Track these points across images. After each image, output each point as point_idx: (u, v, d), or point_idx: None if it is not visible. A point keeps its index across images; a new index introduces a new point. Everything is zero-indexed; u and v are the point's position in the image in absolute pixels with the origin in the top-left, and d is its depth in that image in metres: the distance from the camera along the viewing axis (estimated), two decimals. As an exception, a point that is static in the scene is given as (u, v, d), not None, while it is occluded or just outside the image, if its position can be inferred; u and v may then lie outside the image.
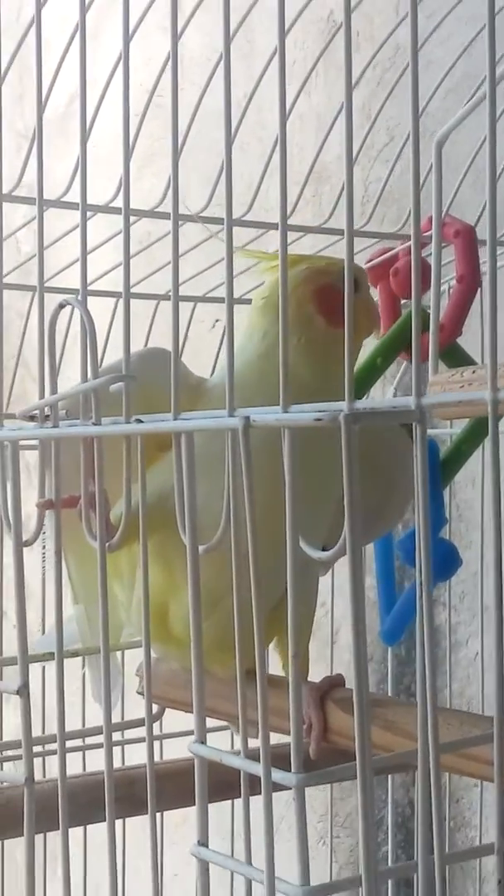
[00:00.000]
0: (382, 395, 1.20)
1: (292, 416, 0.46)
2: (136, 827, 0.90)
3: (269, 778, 0.47)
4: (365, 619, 0.46)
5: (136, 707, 0.87)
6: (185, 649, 0.73)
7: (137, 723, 0.82)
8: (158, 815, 0.88)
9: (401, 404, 0.46)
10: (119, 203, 0.67)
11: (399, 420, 0.45)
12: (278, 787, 0.49)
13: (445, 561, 0.88)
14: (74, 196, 0.85)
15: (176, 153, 0.57)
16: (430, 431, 1.11)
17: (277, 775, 0.49)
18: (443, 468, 0.90)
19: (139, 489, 0.57)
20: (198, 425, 0.53)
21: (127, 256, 0.57)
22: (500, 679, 0.46)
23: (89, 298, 0.60)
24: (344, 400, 0.46)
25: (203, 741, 0.54)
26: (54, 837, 0.63)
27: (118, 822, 0.94)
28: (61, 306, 0.58)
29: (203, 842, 0.54)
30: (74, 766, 0.98)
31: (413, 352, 0.47)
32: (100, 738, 0.82)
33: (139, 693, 0.79)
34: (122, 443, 0.58)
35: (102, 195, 0.88)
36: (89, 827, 0.92)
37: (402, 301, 0.93)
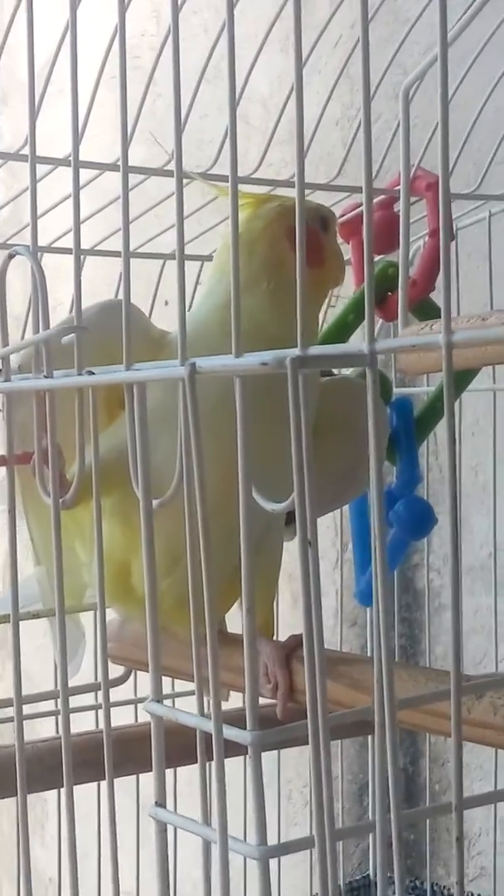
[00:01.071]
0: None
1: (239, 361, 0.44)
2: (120, 790, 0.89)
3: (221, 735, 0.46)
4: (319, 567, 0.44)
5: (112, 668, 0.85)
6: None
7: (99, 686, 0.81)
8: (136, 777, 0.87)
9: (352, 349, 0.44)
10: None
11: (349, 364, 0.44)
12: (241, 748, 0.48)
13: (420, 519, 0.87)
14: (47, 152, 0.84)
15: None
16: (405, 390, 1.10)
17: (232, 733, 0.48)
18: (417, 426, 0.89)
19: (94, 444, 0.55)
20: (148, 375, 0.51)
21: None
22: (456, 634, 0.45)
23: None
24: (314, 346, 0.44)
25: (159, 700, 0.53)
26: (38, 801, 0.61)
27: (96, 786, 0.93)
28: (10, 256, 0.56)
29: (161, 803, 0.53)
30: (51, 729, 0.97)
31: (367, 297, 0.46)
32: (81, 700, 0.81)
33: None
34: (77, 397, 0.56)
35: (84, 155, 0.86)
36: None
37: (376, 258, 0.91)
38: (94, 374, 0.54)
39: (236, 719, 0.49)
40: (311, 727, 0.43)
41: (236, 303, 0.47)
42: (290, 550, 1.22)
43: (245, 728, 0.47)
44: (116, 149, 0.81)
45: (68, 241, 0.96)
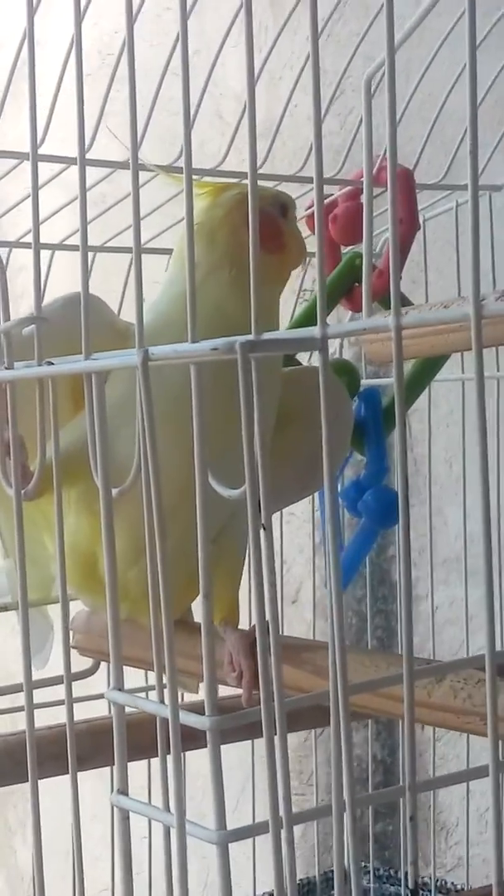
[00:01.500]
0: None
1: (192, 347, 0.45)
2: (103, 782, 0.88)
3: (177, 720, 0.46)
4: (273, 552, 0.44)
5: (80, 660, 0.86)
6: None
7: (74, 677, 0.81)
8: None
9: (305, 334, 0.45)
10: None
11: (300, 348, 0.44)
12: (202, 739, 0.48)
13: (389, 508, 0.87)
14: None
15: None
16: (373, 381, 1.10)
17: (190, 718, 0.48)
18: (385, 416, 0.89)
19: (54, 435, 0.56)
20: (105, 364, 0.51)
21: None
22: (408, 615, 0.45)
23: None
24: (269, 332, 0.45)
25: (120, 688, 0.53)
26: (20, 800, 0.61)
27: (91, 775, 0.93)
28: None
29: (122, 790, 0.53)
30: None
31: (318, 282, 0.46)
32: (56, 693, 0.81)
33: (74, 647, 0.77)
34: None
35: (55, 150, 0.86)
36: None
37: (343, 249, 0.91)
38: (53, 364, 0.54)
39: (202, 709, 0.49)
40: (264, 712, 0.43)
41: (192, 289, 0.47)
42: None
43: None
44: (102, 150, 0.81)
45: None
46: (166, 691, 0.49)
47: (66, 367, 0.54)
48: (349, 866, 0.45)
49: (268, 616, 0.45)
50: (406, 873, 1.22)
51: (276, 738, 0.44)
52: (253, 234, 0.45)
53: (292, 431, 0.74)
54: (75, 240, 0.99)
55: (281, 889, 0.43)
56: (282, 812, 0.45)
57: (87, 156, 0.91)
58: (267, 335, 0.45)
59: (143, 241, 1.04)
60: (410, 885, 0.43)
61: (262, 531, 0.44)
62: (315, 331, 0.44)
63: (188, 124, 0.48)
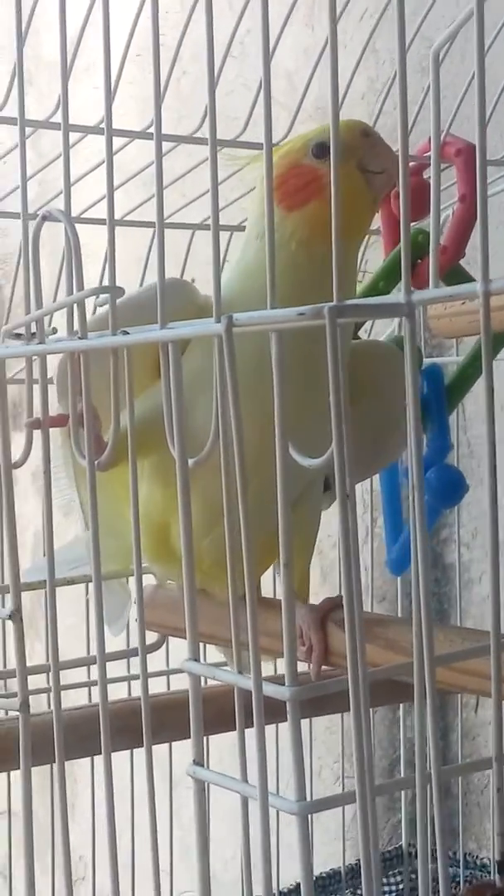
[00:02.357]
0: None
1: (276, 313, 0.44)
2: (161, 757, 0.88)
3: (261, 690, 0.46)
4: (356, 523, 0.44)
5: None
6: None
7: (134, 652, 0.81)
8: (168, 753, 0.87)
9: (390, 300, 0.44)
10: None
11: (387, 314, 0.44)
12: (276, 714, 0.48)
13: (451, 486, 0.86)
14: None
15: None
16: (435, 360, 1.09)
17: (270, 689, 0.48)
18: (448, 394, 0.88)
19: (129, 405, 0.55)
20: (182, 333, 0.51)
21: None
22: (495, 590, 0.44)
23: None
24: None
25: (196, 658, 0.52)
26: (68, 781, 0.61)
27: (128, 761, 0.93)
28: (44, 218, 0.56)
29: (199, 762, 0.52)
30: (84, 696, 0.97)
31: (403, 247, 0.46)
32: (112, 670, 0.81)
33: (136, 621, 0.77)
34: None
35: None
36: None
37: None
38: (128, 333, 0.54)
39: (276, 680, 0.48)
40: (351, 682, 0.42)
41: (271, 256, 0.47)
42: (322, 524, 1.21)
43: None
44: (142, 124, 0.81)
45: (95, 213, 0.96)
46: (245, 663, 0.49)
47: (142, 336, 0.53)
48: (437, 841, 0.45)
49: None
50: (464, 854, 1.21)
51: (361, 708, 0.44)
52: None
53: (356, 408, 0.73)
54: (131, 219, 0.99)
55: (367, 860, 0.43)
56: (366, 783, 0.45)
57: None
58: (349, 302, 0.45)
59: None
60: (497, 856, 0.43)
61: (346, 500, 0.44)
62: (401, 297, 0.44)
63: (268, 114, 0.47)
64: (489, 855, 1.26)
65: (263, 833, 0.46)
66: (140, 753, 0.85)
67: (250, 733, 0.48)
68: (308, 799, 0.47)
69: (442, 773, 0.44)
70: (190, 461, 0.52)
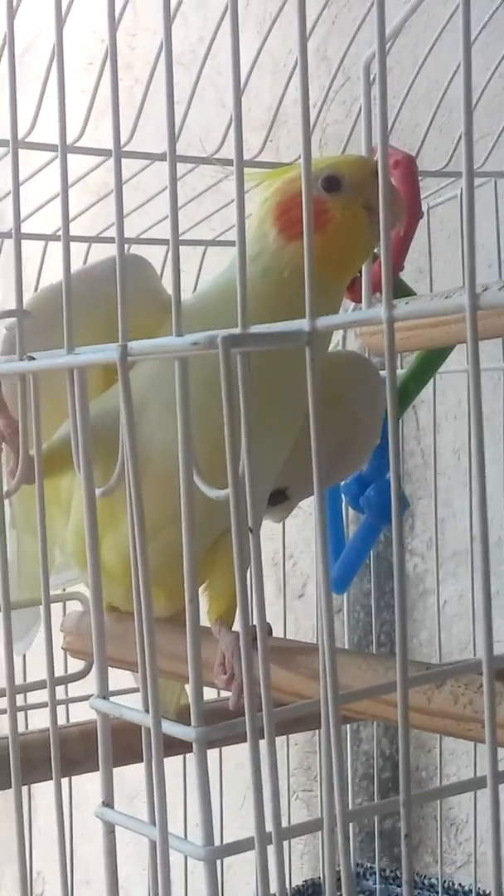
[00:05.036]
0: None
1: (170, 341, 0.42)
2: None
3: (160, 730, 0.44)
4: (260, 555, 0.42)
5: (75, 662, 0.84)
6: (114, 583, 0.70)
7: (67, 679, 0.79)
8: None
9: (291, 328, 0.42)
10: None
11: (288, 343, 0.42)
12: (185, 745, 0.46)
13: (390, 503, 0.85)
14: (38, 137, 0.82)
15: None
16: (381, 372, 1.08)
17: (176, 729, 0.46)
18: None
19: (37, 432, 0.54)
20: (87, 360, 0.49)
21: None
22: (402, 627, 0.43)
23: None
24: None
25: (105, 696, 0.51)
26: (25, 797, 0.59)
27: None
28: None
29: (108, 803, 0.51)
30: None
31: (307, 272, 0.44)
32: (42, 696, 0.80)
33: (63, 648, 0.76)
34: (63, 377, 0.53)
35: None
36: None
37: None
38: (34, 358, 0.52)
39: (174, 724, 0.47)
40: (249, 724, 0.41)
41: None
42: (275, 537, 1.20)
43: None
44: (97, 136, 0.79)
45: (41, 227, 0.94)
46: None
47: (48, 362, 0.52)
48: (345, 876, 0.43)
49: (255, 620, 0.43)
50: (416, 873, 1.20)
51: (265, 747, 0.42)
52: (238, 229, 0.43)
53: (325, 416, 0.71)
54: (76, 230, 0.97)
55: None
56: (271, 827, 0.43)
57: (83, 144, 0.90)
58: (255, 328, 0.43)
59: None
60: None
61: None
62: (304, 324, 0.42)
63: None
64: (438, 872, 1.25)
65: (163, 881, 0.45)
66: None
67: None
68: (217, 843, 0.46)
69: (347, 815, 0.43)
70: (98, 491, 0.51)
